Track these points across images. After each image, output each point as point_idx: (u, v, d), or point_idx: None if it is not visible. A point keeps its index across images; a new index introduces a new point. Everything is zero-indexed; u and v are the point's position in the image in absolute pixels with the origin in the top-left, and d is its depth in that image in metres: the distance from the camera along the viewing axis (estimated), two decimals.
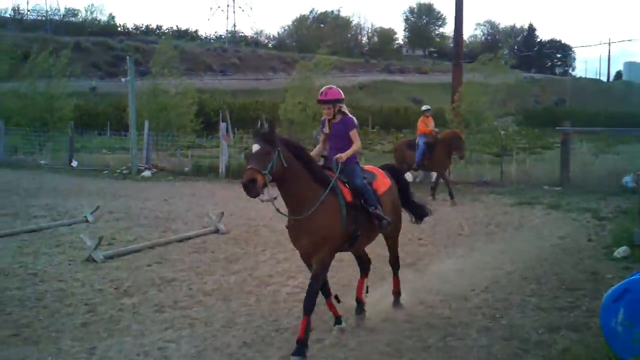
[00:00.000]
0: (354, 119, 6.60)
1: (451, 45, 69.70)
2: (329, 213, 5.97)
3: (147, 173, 22.80)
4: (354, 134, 6.52)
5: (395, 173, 7.58)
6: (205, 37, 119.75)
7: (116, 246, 10.61)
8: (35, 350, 5.93)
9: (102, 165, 25.42)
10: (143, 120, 25.56)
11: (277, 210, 5.93)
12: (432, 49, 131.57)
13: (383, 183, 6.87)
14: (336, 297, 6.71)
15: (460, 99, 25.21)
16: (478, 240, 11.55)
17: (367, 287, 7.22)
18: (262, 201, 5.68)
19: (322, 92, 6.51)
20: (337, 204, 6.08)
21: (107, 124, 47.25)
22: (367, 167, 7.03)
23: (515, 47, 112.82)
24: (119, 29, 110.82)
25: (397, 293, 7.45)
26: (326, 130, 6.66)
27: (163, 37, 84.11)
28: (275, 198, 5.78)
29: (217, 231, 11.83)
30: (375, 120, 52.93)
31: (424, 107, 17.94)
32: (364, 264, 7.32)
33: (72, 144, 27.11)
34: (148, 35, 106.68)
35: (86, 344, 6.12)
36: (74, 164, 25.61)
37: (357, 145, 6.54)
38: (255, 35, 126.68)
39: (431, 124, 17.38)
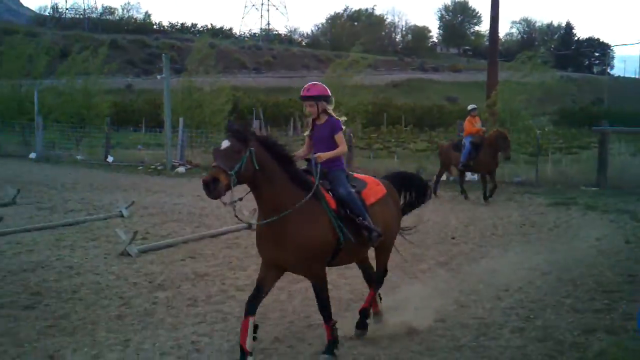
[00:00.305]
0: (340, 121, 5.99)
1: (486, 43, 68.98)
2: (314, 219, 5.41)
3: (181, 169, 23.05)
4: (339, 137, 5.93)
5: (406, 182, 7.13)
6: (239, 35, 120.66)
7: (150, 241, 10.74)
8: (71, 341, 6.03)
9: (137, 161, 25.75)
10: (178, 117, 25.83)
11: (237, 217, 5.51)
12: (466, 47, 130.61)
13: (375, 192, 6.16)
14: (255, 327, 5.47)
15: (496, 98, 24.93)
16: (512, 240, 11.41)
17: (380, 294, 6.72)
18: (225, 204, 5.12)
19: (305, 88, 5.97)
20: (322, 209, 5.51)
21: (142, 120, 47.85)
22: (357, 175, 6.36)
23: (552, 46, 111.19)
24: (155, 26, 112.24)
25: (365, 311, 6.39)
26: (306, 131, 6.14)
27: (198, 35, 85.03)
28: (240, 199, 5.17)
29: (249, 227, 11.86)
30: (409, 118, 52.70)
31: (470, 107, 17.38)
32: (370, 277, 6.73)
33: (108, 140, 27.51)
34: (183, 33, 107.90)
35: (121, 335, 6.21)
36: (110, 159, 25.99)
37: (341, 148, 5.93)
38: (289, 33, 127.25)
39: (478, 123, 16.93)
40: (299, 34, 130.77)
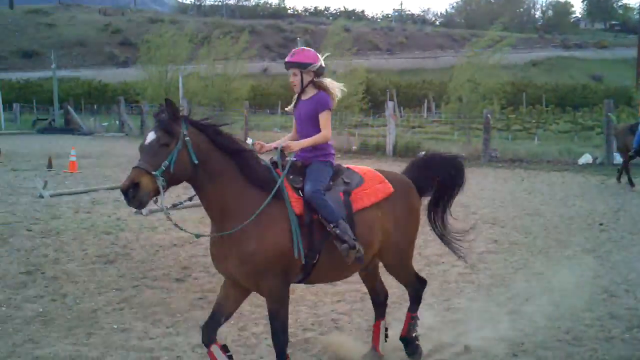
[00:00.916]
0: (330, 97, 4.73)
1: (637, 16, 64.23)
2: (268, 226, 4.28)
3: None
4: (323, 117, 4.65)
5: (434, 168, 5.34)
6: (372, 17, 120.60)
7: None
8: None
9: None
10: None
11: (176, 224, 4.46)
12: (614, 22, 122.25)
13: (374, 192, 4.78)
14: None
15: None
16: None
17: (387, 329, 5.39)
18: (163, 211, 4.19)
19: (290, 52, 4.84)
20: (284, 215, 4.35)
21: (278, 103, 49.19)
22: (355, 167, 4.99)
23: None
24: (289, 11, 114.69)
25: (407, 339, 5.22)
26: (290, 109, 4.92)
27: (331, 18, 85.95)
28: (178, 205, 4.41)
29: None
30: (550, 98, 50.24)
31: None
32: (380, 300, 5.41)
33: (247, 122, 28.51)
34: (317, 16, 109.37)
35: (265, 310, 6.41)
36: (249, 141, 26.87)
37: (323, 134, 4.65)
38: (422, 13, 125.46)
39: None
40: (433, 13, 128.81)
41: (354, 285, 7.29)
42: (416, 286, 5.27)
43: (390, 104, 24.69)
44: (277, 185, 4.32)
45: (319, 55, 4.77)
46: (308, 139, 4.66)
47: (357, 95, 30.68)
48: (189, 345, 5.54)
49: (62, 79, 50.57)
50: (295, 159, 4.68)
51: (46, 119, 38.19)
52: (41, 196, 12.52)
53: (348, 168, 4.90)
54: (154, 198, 4.04)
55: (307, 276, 4.58)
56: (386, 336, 5.31)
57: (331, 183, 4.62)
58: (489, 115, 21.34)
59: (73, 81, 56.94)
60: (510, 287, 7.25)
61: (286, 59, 4.75)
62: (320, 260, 4.47)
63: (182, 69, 34.01)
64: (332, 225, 4.36)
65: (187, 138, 4.10)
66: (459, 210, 11.75)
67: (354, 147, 23.99)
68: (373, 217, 4.71)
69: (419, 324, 5.30)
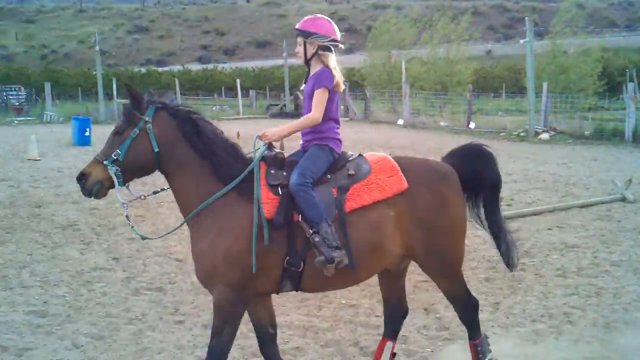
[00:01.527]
0: (333, 73, 3.99)
1: None
2: (229, 228, 3.79)
3: (545, 135, 22.37)
4: (317, 95, 3.94)
5: (474, 161, 4.45)
6: None
7: (515, 207, 10.64)
8: (442, 297, 6.32)
9: (498, 127, 25.74)
10: (540, 82, 25.03)
11: (130, 224, 4.11)
12: None
13: (378, 187, 3.94)
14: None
15: None
16: None
17: (394, 356, 4.58)
18: (120, 203, 3.98)
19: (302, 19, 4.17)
20: (248, 216, 3.77)
21: (502, 86, 47.63)
22: (371, 155, 4.16)
23: None
24: None
25: None
26: (303, 86, 4.22)
27: None
28: (139, 198, 4.03)
29: (623, 199, 10.95)
30: None
31: None
32: (392, 315, 4.57)
33: (470, 106, 27.97)
34: None
35: (490, 298, 6.32)
36: (472, 125, 26.46)
37: (310, 116, 3.96)
38: None
39: None
40: None
41: (587, 279, 6.89)
42: (467, 306, 4.35)
43: (630, 86, 22.66)
44: (237, 180, 3.85)
45: (335, 29, 4.06)
46: (289, 124, 4.06)
47: (592, 76, 28.69)
48: (414, 326, 5.63)
49: (291, 67, 53.70)
50: (302, 144, 4.14)
51: (278, 105, 40.85)
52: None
53: (361, 156, 4.15)
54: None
55: (297, 285, 3.95)
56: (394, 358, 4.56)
57: (329, 176, 3.97)
58: None
59: (301, 69, 60.12)
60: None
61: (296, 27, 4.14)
62: (307, 268, 3.83)
63: (405, 54, 34.30)
64: (311, 231, 3.72)
65: (149, 125, 3.85)
66: None
67: (587, 132, 22.41)
68: (380, 217, 3.91)
69: (489, 348, 4.42)
